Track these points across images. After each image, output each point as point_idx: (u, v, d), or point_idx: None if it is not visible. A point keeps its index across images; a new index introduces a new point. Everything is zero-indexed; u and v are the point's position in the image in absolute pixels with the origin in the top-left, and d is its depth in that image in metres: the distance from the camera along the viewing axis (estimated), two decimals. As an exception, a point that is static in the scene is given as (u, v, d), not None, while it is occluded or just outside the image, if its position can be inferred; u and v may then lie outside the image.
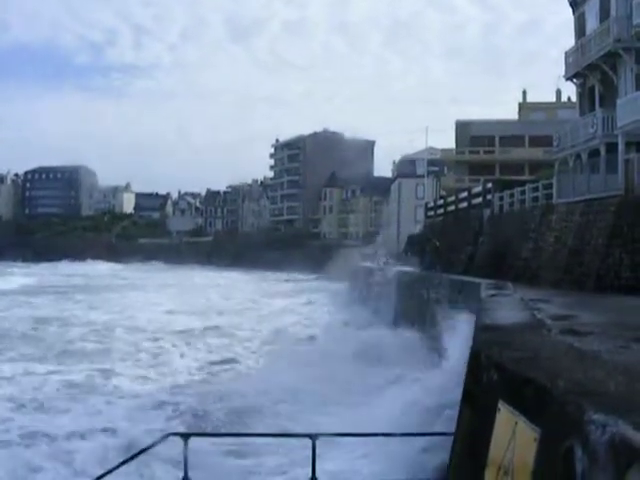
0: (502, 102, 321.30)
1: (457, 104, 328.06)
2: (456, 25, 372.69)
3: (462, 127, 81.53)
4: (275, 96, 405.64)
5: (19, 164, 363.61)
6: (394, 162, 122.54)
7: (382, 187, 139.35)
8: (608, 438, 3.94)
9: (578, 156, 34.45)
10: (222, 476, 15.84)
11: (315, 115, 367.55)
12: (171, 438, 9.11)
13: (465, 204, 51.17)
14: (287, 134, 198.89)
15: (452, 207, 55.61)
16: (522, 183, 41.98)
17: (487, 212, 44.48)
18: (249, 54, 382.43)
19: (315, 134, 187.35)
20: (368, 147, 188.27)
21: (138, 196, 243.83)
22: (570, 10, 36.95)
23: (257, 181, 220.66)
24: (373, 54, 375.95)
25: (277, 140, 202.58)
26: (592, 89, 34.82)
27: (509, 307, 14.83)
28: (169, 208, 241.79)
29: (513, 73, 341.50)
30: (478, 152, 79.67)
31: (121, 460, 8.95)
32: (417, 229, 72.63)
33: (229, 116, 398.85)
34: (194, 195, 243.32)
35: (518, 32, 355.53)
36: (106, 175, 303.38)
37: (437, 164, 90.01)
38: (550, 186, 35.34)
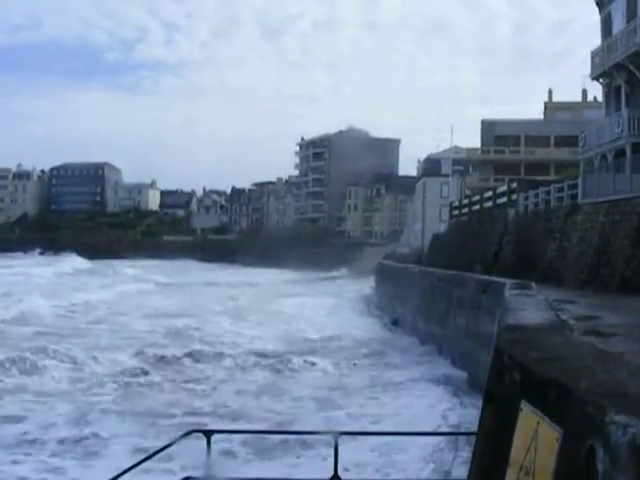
0: (530, 102, 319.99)
1: (485, 103, 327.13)
2: (486, 24, 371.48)
3: (487, 126, 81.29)
4: (303, 94, 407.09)
5: (45, 160, 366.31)
6: (419, 161, 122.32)
7: (407, 186, 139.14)
8: (629, 439, 3.96)
9: (604, 156, 34.30)
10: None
11: (342, 113, 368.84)
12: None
13: (490, 204, 51.14)
14: (314, 132, 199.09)
15: (477, 207, 55.59)
16: (547, 183, 41.89)
17: (512, 212, 44.42)
18: (279, 52, 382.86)
19: (340, 132, 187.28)
20: (393, 146, 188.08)
21: (163, 193, 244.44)
22: (597, 10, 36.83)
23: (282, 179, 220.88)
24: (402, 52, 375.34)
25: (302, 138, 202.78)
26: (618, 89, 34.66)
27: (533, 307, 14.80)
28: (194, 205, 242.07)
29: (542, 73, 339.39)
30: (503, 152, 79.38)
31: (142, 457, 8.96)
32: (442, 228, 72.58)
33: (256, 114, 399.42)
34: (219, 193, 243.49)
35: (549, 32, 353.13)
36: (132, 172, 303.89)
37: (462, 163, 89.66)
38: (575, 186, 35.23)
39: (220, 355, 32.96)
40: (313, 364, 31.42)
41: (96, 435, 19.82)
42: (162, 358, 31.67)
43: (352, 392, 26.11)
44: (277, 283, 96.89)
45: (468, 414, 19.75)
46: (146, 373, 28.94)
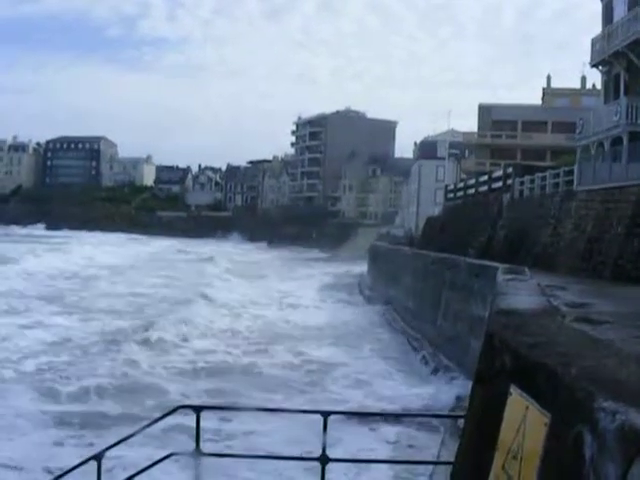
0: (532, 88, 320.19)
1: (486, 88, 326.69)
2: (491, 9, 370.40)
3: (485, 111, 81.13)
4: (304, 74, 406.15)
5: (42, 133, 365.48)
6: (416, 143, 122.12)
7: (403, 168, 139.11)
8: (617, 425, 3.96)
9: (600, 144, 34.22)
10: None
11: (341, 94, 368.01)
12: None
13: (485, 188, 51.09)
14: (312, 112, 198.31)
15: (472, 190, 55.54)
16: (543, 169, 41.82)
17: (507, 197, 44.36)
18: (280, 31, 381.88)
19: (337, 113, 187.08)
20: (390, 128, 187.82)
21: (158, 169, 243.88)
22: (599, -4, 36.66)
23: (278, 158, 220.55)
24: (405, 35, 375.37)
25: (299, 117, 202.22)
26: (617, 77, 34.54)
27: (525, 292, 14.79)
28: (189, 182, 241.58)
29: (545, 60, 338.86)
30: (500, 136, 79.28)
31: (131, 432, 8.94)
32: (436, 211, 72.58)
33: (255, 92, 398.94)
34: (214, 170, 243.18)
35: (552, 18, 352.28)
36: (128, 147, 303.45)
37: (458, 147, 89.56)
38: (571, 173, 35.16)
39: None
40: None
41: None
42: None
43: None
44: (266, 262, 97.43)
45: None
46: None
